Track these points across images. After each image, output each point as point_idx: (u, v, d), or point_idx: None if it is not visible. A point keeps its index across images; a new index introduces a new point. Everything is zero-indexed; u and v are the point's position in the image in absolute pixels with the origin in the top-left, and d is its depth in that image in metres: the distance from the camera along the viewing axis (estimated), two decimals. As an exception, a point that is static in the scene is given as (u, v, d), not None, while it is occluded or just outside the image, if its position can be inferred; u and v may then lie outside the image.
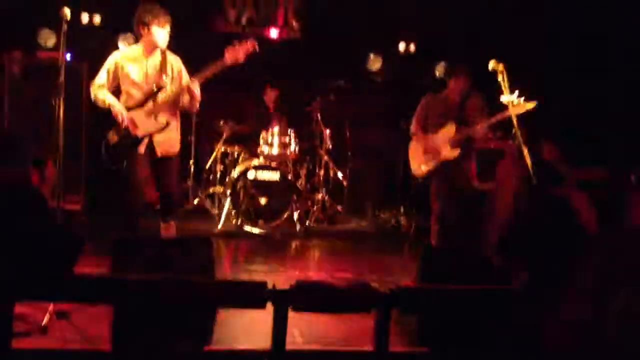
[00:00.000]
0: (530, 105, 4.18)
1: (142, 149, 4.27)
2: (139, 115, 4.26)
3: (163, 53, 4.32)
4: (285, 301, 2.23)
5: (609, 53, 5.91)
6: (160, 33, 4.22)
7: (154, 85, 4.28)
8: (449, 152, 4.85)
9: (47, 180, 3.46)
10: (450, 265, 2.95)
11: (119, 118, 4.21)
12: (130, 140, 4.24)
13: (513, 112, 4.07)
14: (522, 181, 4.51)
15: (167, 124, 4.30)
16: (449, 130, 4.86)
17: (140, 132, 4.25)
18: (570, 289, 1.74)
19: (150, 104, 4.28)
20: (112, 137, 4.27)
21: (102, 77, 4.27)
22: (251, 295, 2.31)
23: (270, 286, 2.32)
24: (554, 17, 6.33)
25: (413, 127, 5.07)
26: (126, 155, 4.24)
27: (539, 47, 6.36)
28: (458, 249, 3.66)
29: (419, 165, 5.02)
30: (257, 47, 4.20)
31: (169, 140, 4.36)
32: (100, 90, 4.26)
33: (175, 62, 4.39)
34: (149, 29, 4.20)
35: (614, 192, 2.08)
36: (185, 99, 4.33)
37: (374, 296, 2.25)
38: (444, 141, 4.87)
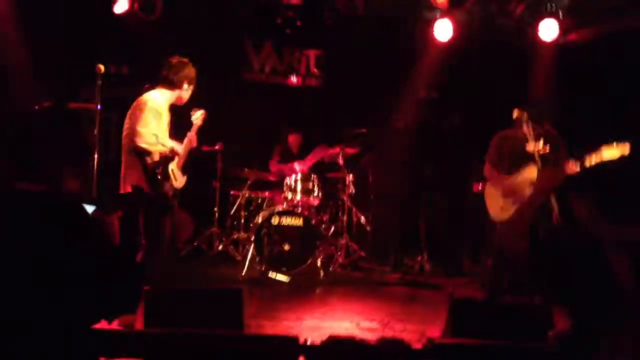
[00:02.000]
0: (626, 149, 4.14)
1: (174, 201, 4.33)
2: (175, 168, 4.33)
3: None
4: (318, 357, 2.22)
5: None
6: (190, 92, 4.41)
7: (190, 142, 4.42)
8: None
9: None
10: (481, 318, 2.91)
11: (171, 172, 4.22)
12: (172, 191, 4.27)
13: (606, 156, 4.08)
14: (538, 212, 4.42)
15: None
16: (531, 171, 4.63)
17: (178, 185, 4.33)
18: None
19: (182, 160, 4.39)
20: (165, 184, 4.21)
21: (153, 125, 4.15)
22: (283, 350, 2.30)
23: (302, 340, 2.32)
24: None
25: (486, 171, 4.86)
26: (165, 206, 4.23)
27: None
28: (487, 300, 3.61)
29: (500, 209, 4.75)
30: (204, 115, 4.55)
31: None
32: (157, 140, 4.17)
33: None
34: (189, 86, 4.34)
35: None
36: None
37: (407, 352, 2.23)
38: (527, 184, 4.64)
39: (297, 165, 6.74)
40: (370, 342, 2.24)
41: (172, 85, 4.30)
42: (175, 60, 4.33)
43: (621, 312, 1.87)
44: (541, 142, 4.25)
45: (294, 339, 2.29)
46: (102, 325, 2.44)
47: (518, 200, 4.63)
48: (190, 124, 4.52)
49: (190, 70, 4.33)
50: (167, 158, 4.21)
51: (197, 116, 4.58)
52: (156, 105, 4.18)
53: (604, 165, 4.25)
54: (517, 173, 4.70)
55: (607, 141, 4.25)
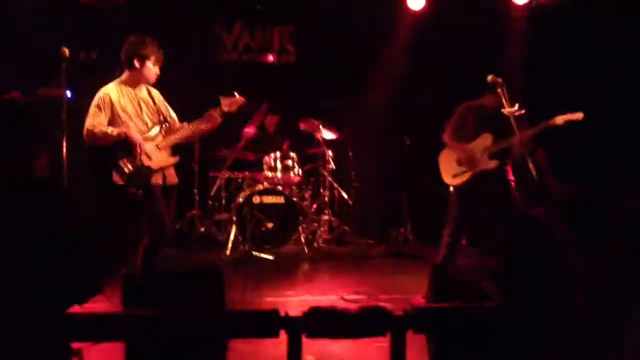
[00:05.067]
0: (578, 115, 4.20)
1: (159, 180, 4.21)
2: (149, 147, 4.20)
3: (147, 87, 4.35)
4: (299, 328, 2.20)
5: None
6: (153, 70, 4.23)
7: (161, 118, 4.30)
8: (487, 163, 4.63)
9: None
10: (462, 283, 2.92)
11: (137, 148, 4.11)
12: (145, 170, 4.14)
13: (557, 121, 4.15)
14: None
15: (177, 160, 4.36)
16: (486, 140, 4.66)
17: (154, 165, 4.19)
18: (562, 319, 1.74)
19: (159, 138, 4.27)
20: (126, 166, 4.10)
21: (96, 116, 4.14)
22: (264, 324, 2.27)
23: (282, 313, 2.30)
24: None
25: (446, 136, 4.82)
26: (143, 186, 4.12)
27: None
28: (468, 265, 3.63)
29: (452, 175, 4.77)
30: (246, 102, 4.44)
31: (172, 172, 4.39)
32: (101, 126, 4.12)
33: (157, 95, 4.41)
34: (143, 63, 4.18)
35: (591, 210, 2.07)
36: (193, 137, 4.43)
37: (388, 319, 2.22)
38: (481, 151, 4.65)
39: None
40: (351, 311, 2.23)
41: (126, 66, 4.23)
42: (126, 40, 4.22)
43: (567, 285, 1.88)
44: (516, 105, 4.25)
45: (275, 312, 2.26)
46: (82, 309, 2.41)
47: (472, 168, 4.67)
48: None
49: (140, 48, 4.16)
50: (119, 143, 4.11)
51: (227, 102, 4.34)
52: (103, 94, 4.17)
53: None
54: (473, 141, 4.73)
55: (563, 111, 4.30)
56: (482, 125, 4.70)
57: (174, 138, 4.30)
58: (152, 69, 4.22)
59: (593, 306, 1.71)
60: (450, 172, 4.80)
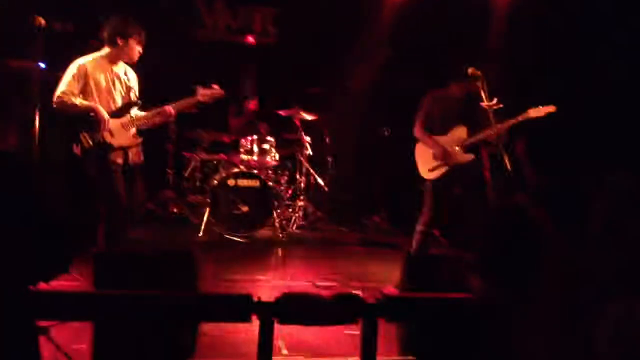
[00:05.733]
0: (550, 108, 4.21)
1: (119, 159, 4.25)
2: (114, 125, 4.25)
3: (125, 66, 4.39)
4: (271, 313, 2.19)
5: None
6: (136, 49, 4.30)
7: (133, 97, 4.35)
8: (463, 156, 4.61)
9: None
10: (435, 273, 2.93)
11: (102, 124, 4.15)
12: (105, 147, 4.19)
13: (532, 114, 4.15)
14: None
15: (141, 139, 4.42)
16: (460, 132, 4.65)
17: (115, 143, 4.24)
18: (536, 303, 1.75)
19: (127, 117, 4.32)
20: (86, 140, 4.15)
21: (70, 85, 4.15)
22: (236, 309, 2.26)
23: (255, 298, 2.28)
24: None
25: (417, 130, 4.78)
26: (100, 163, 4.16)
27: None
28: (441, 256, 3.65)
29: (429, 169, 4.73)
30: (223, 94, 4.59)
31: (137, 151, 4.43)
32: (71, 96, 4.13)
33: (133, 76, 4.46)
34: (126, 41, 4.24)
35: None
36: (158, 120, 4.46)
37: (360, 306, 2.22)
38: (456, 145, 4.63)
39: None
40: (324, 297, 2.22)
41: (108, 43, 4.27)
42: (109, 18, 4.29)
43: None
44: (495, 99, 4.28)
45: (247, 297, 2.24)
46: (49, 287, 2.35)
47: (448, 161, 4.65)
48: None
49: (124, 27, 4.23)
50: (84, 116, 4.15)
51: (204, 92, 4.47)
52: (79, 66, 4.19)
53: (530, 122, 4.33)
54: (446, 133, 4.71)
55: (534, 104, 4.30)
56: (449, 116, 4.69)
57: (140, 120, 4.36)
58: (135, 48, 4.29)
59: (568, 295, 1.73)
60: (427, 165, 4.78)
